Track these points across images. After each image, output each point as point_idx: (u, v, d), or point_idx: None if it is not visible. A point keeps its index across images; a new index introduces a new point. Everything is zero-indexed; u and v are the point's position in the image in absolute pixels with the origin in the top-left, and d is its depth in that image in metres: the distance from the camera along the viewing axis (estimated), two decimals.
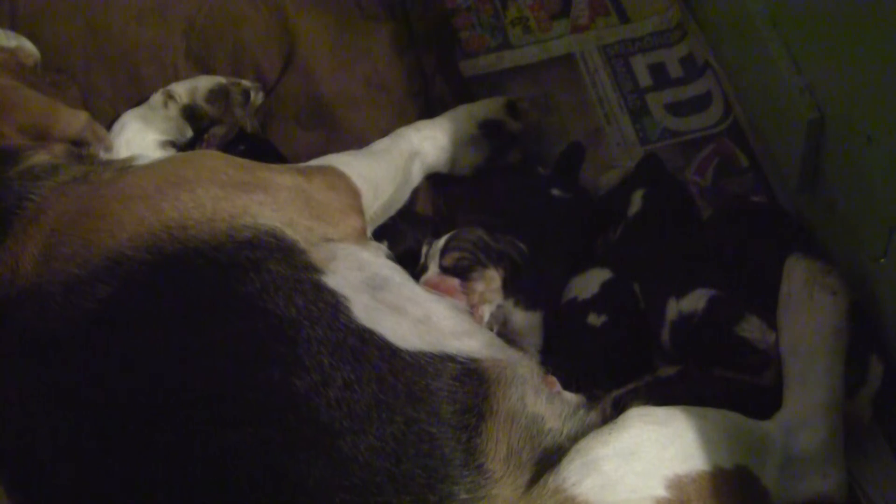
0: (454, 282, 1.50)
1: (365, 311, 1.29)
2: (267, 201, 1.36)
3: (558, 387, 1.39)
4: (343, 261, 1.35)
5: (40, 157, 1.43)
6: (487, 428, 1.25)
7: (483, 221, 1.62)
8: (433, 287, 1.48)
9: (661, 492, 1.20)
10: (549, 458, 1.26)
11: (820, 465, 1.31)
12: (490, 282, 1.54)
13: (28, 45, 1.75)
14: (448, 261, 1.53)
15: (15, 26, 1.81)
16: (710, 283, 1.49)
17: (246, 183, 1.38)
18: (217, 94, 1.80)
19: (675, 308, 1.48)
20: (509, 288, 1.56)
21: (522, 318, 1.57)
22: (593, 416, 1.34)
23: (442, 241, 1.56)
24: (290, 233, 1.33)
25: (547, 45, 1.99)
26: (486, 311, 1.51)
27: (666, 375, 1.46)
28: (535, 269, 1.59)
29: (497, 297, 1.54)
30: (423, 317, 1.35)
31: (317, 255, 1.33)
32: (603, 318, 1.53)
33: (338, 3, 1.92)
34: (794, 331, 1.39)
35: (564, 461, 1.22)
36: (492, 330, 1.52)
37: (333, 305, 1.28)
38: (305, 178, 1.45)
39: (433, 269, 1.52)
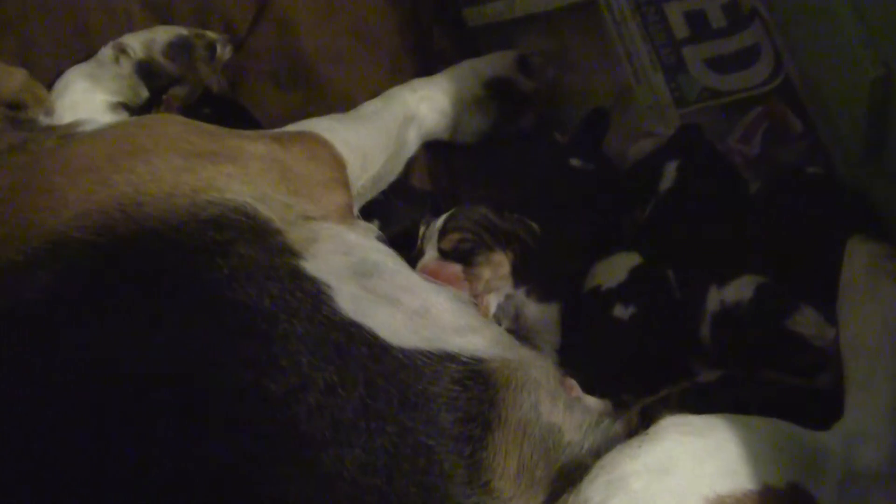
0: (455, 268, 1.51)
1: (351, 301, 1.28)
2: (236, 173, 1.35)
3: (578, 391, 1.38)
4: (326, 243, 1.34)
5: None
6: (495, 440, 1.24)
7: (490, 197, 1.63)
8: (431, 274, 1.48)
9: None
10: (568, 476, 1.25)
11: (887, 481, 1.29)
12: (497, 267, 1.54)
13: None
14: (447, 244, 1.53)
15: None
16: (758, 269, 1.48)
17: (212, 152, 1.37)
18: (178, 48, 1.79)
19: (717, 298, 1.48)
20: (520, 275, 1.56)
21: (536, 311, 1.57)
22: (618, 426, 1.33)
23: (440, 221, 1.56)
24: (263, 209, 1.33)
25: None
26: (493, 302, 1.52)
27: (705, 381, 1.45)
28: (550, 253, 1.59)
29: (505, 286, 1.55)
30: (420, 309, 1.34)
31: (295, 236, 1.32)
32: (631, 310, 1.53)
33: None
34: (856, 325, 1.38)
35: (586, 479, 1.21)
36: (500, 325, 1.51)
37: (314, 295, 1.27)
38: (281, 147, 1.44)
39: (431, 254, 1.53)
